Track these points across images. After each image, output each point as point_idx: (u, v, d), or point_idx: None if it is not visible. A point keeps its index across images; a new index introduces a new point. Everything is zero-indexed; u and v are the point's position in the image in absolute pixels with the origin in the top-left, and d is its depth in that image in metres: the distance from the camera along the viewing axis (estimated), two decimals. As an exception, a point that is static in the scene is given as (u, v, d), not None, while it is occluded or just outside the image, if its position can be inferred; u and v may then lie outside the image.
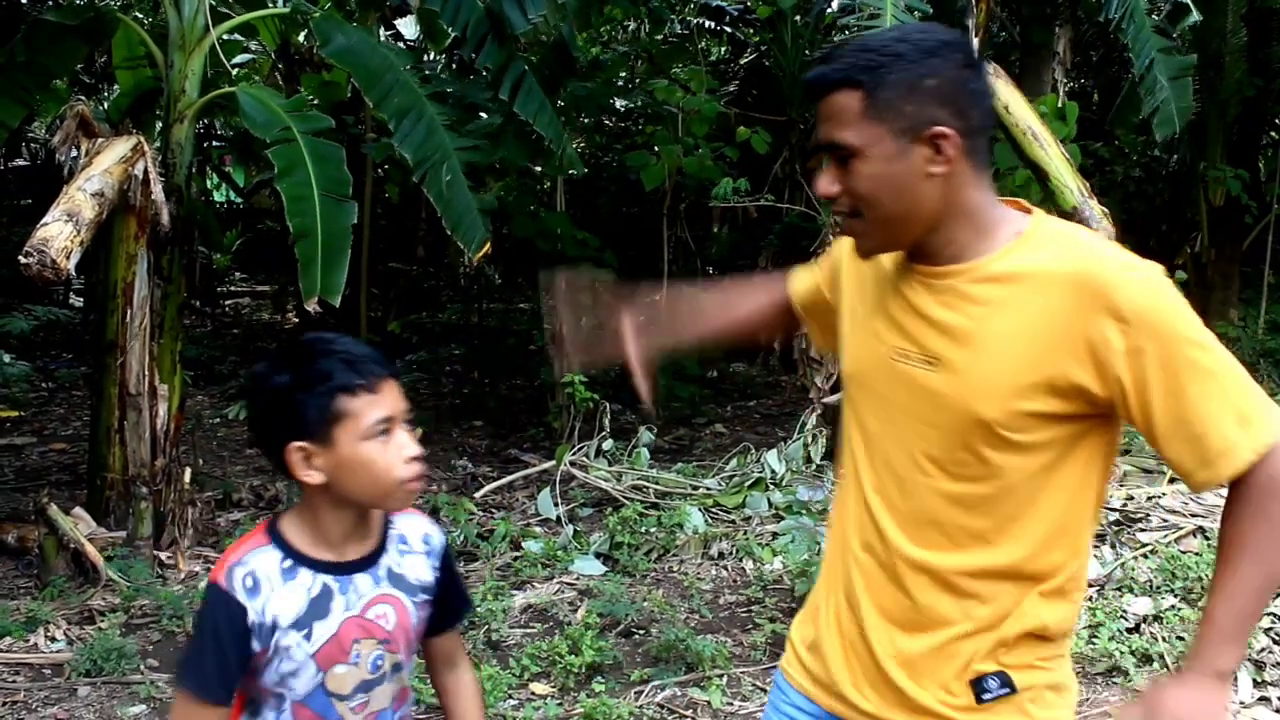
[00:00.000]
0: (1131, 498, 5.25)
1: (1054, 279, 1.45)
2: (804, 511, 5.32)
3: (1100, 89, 11.61)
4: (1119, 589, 4.46)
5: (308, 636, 1.62)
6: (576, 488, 5.93)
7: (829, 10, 8.14)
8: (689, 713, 3.71)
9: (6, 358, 8.13)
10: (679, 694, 3.84)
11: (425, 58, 9.51)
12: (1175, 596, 4.37)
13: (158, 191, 5.06)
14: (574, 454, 6.09)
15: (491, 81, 5.95)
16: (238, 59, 10.17)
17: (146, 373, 5.14)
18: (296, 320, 11.81)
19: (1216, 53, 9.07)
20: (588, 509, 5.80)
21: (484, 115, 6.49)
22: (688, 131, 8.06)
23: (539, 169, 8.93)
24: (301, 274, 4.84)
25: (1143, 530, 4.97)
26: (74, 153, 4.98)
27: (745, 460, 6.22)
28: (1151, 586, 4.46)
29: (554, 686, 3.87)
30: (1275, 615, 4.15)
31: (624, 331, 1.97)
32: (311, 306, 4.85)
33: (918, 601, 1.57)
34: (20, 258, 4.22)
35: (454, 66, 8.11)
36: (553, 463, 6.13)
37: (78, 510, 5.03)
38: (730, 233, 10.43)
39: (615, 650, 4.11)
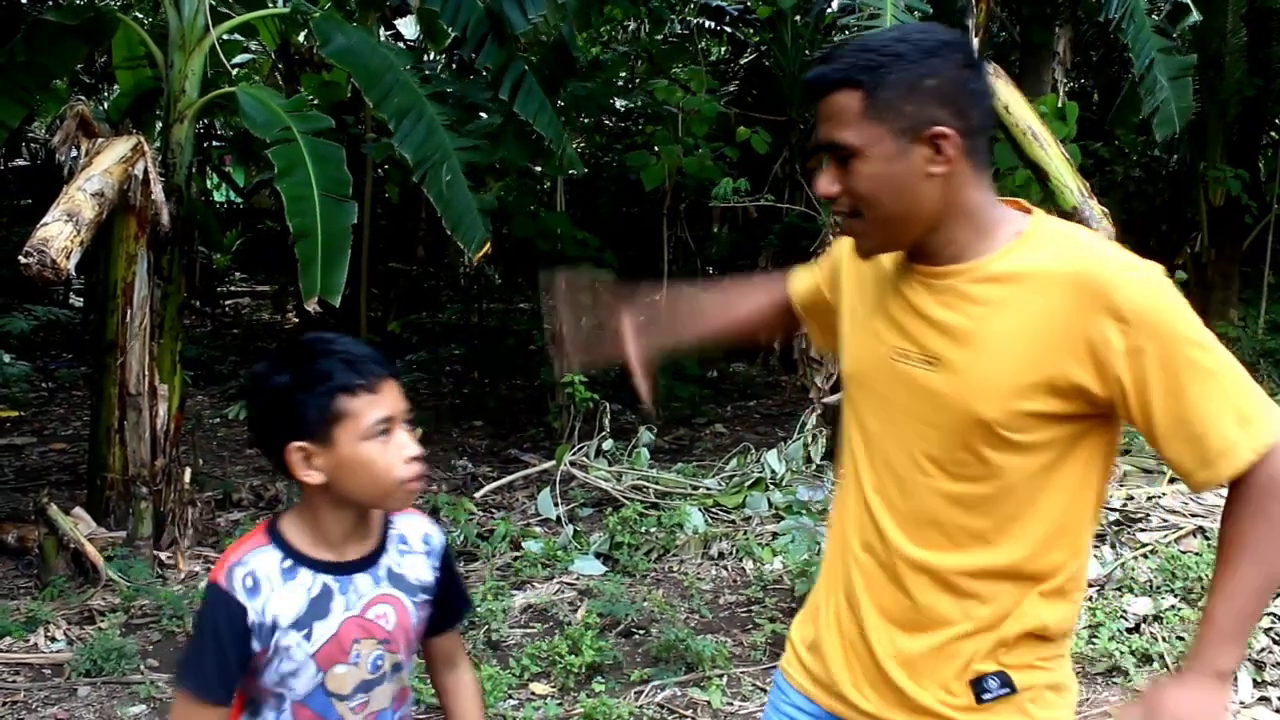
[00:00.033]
0: (1132, 498, 5.25)
1: (1054, 279, 1.45)
2: (804, 511, 5.32)
3: (1100, 89, 11.61)
4: (1119, 589, 4.47)
5: (308, 636, 1.62)
6: (576, 488, 5.93)
7: (829, 10, 8.14)
8: (689, 713, 3.71)
9: (7, 358, 8.13)
10: (679, 694, 3.84)
11: (425, 58, 9.51)
12: (1175, 597, 4.37)
13: (158, 191, 5.06)
14: (574, 454, 6.09)
15: (491, 81, 5.95)
16: (238, 59, 10.17)
17: (146, 373, 5.14)
18: (296, 320, 11.81)
19: (1216, 53, 9.07)
20: (588, 509, 5.80)
21: (484, 115, 6.49)
22: (688, 131, 8.06)
23: (539, 169, 8.93)
24: (302, 274, 4.84)
25: (1143, 530, 4.97)
26: (74, 153, 4.98)
27: (745, 460, 6.22)
28: (1151, 586, 4.46)
29: (554, 686, 3.87)
30: (1276, 615, 4.15)
31: (624, 331, 1.98)
32: (311, 306, 4.86)
33: (918, 601, 1.57)
34: (20, 258, 4.22)
35: (454, 66, 8.11)
36: (553, 463, 6.13)
37: (78, 510, 5.03)
38: (730, 233, 10.43)
39: (615, 650, 4.11)
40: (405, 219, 11.89)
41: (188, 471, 5.35)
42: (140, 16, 8.89)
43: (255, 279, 14.45)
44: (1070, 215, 5.70)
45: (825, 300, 1.86)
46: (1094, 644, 4.00)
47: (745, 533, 5.29)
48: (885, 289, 1.61)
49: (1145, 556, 4.70)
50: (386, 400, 1.61)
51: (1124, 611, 4.26)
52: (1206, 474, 1.43)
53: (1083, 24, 9.35)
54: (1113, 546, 4.83)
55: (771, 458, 5.99)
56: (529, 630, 4.38)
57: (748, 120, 9.00)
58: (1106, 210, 5.75)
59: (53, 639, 4.21)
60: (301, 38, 9.83)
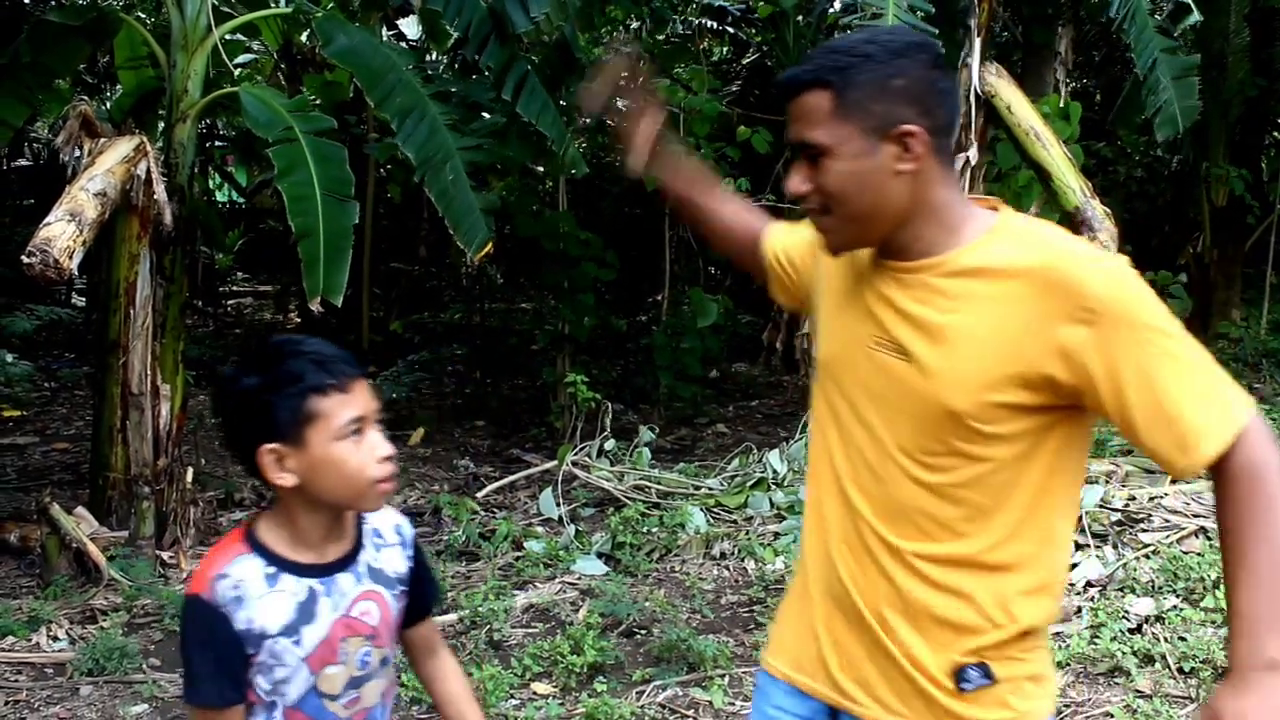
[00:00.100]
0: (1133, 498, 5.25)
1: (1023, 273, 1.48)
2: (806, 511, 5.31)
3: (1102, 89, 11.60)
4: (1121, 589, 4.46)
5: (297, 642, 1.61)
6: (578, 487, 5.93)
7: (831, 10, 8.14)
8: (691, 713, 3.71)
9: (9, 357, 8.14)
10: (681, 694, 3.84)
11: (428, 58, 9.51)
12: (1177, 597, 4.36)
13: (160, 191, 5.06)
14: (576, 454, 6.09)
15: (494, 81, 5.95)
16: (240, 59, 10.18)
17: (149, 372, 5.14)
18: (299, 320, 11.81)
19: (1219, 53, 9.07)
20: (589, 509, 5.80)
21: (486, 115, 6.49)
22: (689, 131, 8.06)
23: (541, 169, 8.93)
24: (305, 274, 4.85)
25: (1144, 530, 4.97)
26: (77, 152, 4.98)
27: (747, 460, 6.22)
28: (1153, 587, 4.45)
29: (556, 686, 3.87)
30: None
31: (640, 121, 1.98)
32: (315, 306, 4.86)
33: (899, 588, 1.59)
34: (23, 257, 4.23)
35: (456, 66, 8.11)
36: (554, 462, 6.13)
37: (80, 510, 5.04)
38: (732, 233, 10.39)
39: (617, 650, 4.11)
40: (407, 219, 11.89)
41: (190, 471, 5.35)
42: (143, 16, 8.90)
43: (257, 279, 14.46)
44: (1073, 215, 5.70)
45: (792, 271, 1.91)
46: (1095, 644, 3.99)
47: (747, 533, 5.29)
48: (859, 281, 1.65)
49: (1147, 557, 4.70)
50: (358, 400, 1.60)
51: (1126, 612, 4.26)
52: (1187, 460, 1.44)
53: (1085, 24, 9.34)
54: (1114, 547, 4.83)
55: (773, 458, 5.99)
56: (531, 630, 4.38)
57: (749, 120, 8.99)
58: (1109, 210, 5.75)
59: (55, 638, 4.22)
60: (304, 38, 9.84)
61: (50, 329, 10.22)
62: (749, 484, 5.82)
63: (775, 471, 5.88)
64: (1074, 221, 5.69)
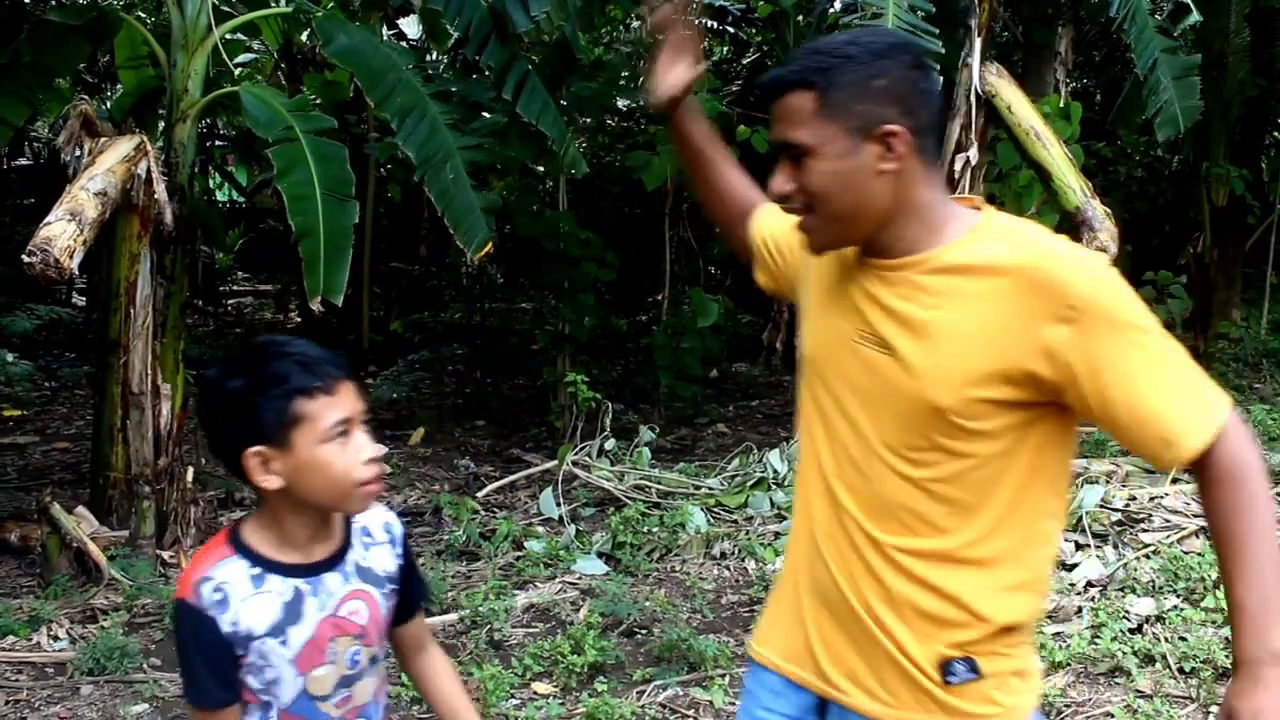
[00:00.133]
0: (1134, 498, 5.25)
1: (1007, 271, 1.50)
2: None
3: (1103, 89, 11.60)
4: (1121, 589, 4.46)
5: (284, 643, 1.61)
6: (579, 487, 5.93)
7: (831, 10, 8.14)
8: (691, 712, 3.71)
9: (9, 357, 8.15)
10: (681, 694, 3.84)
11: (428, 57, 9.51)
12: (1178, 597, 4.36)
13: (160, 191, 5.06)
14: (576, 454, 6.09)
15: (495, 81, 5.95)
16: (240, 58, 10.18)
17: (149, 372, 5.14)
18: (299, 319, 11.81)
19: (1219, 53, 9.06)
20: (590, 509, 5.80)
21: (486, 115, 6.50)
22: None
23: (541, 169, 8.93)
24: (305, 273, 4.85)
25: (1145, 530, 4.97)
26: (77, 152, 4.98)
27: (747, 460, 6.22)
28: (1154, 587, 4.46)
29: (556, 686, 3.87)
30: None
31: (678, 50, 1.95)
32: (315, 306, 4.86)
33: (884, 582, 1.60)
34: (23, 257, 4.23)
35: (457, 66, 8.12)
36: (555, 462, 6.14)
37: (80, 509, 5.04)
38: (732, 232, 10.39)
39: (617, 650, 4.11)
40: (408, 218, 11.89)
41: (190, 470, 5.35)
42: (143, 16, 8.90)
43: (258, 278, 14.46)
44: (1073, 215, 5.71)
45: (778, 257, 1.91)
46: (1096, 644, 3.99)
47: (747, 532, 5.29)
48: (845, 278, 1.66)
49: (1148, 557, 4.70)
50: (344, 402, 1.59)
51: (1126, 612, 4.26)
52: (1168, 455, 1.47)
53: (1085, 24, 9.34)
54: (1115, 547, 4.83)
55: (774, 457, 5.99)
56: (531, 630, 4.39)
57: (749, 120, 8.99)
58: (1109, 210, 5.75)
59: (55, 638, 4.22)
60: (304, 37, 9.84)
61: (51, 328, 10.22)
62: (749, 484, 5.81)
63: (775, 471, 5.88)
64: (1074, 221, 5.70)
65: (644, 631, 4.35)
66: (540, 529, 5.51)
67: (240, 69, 10.23)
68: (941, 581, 1.57)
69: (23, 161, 13.45)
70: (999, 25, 7.62)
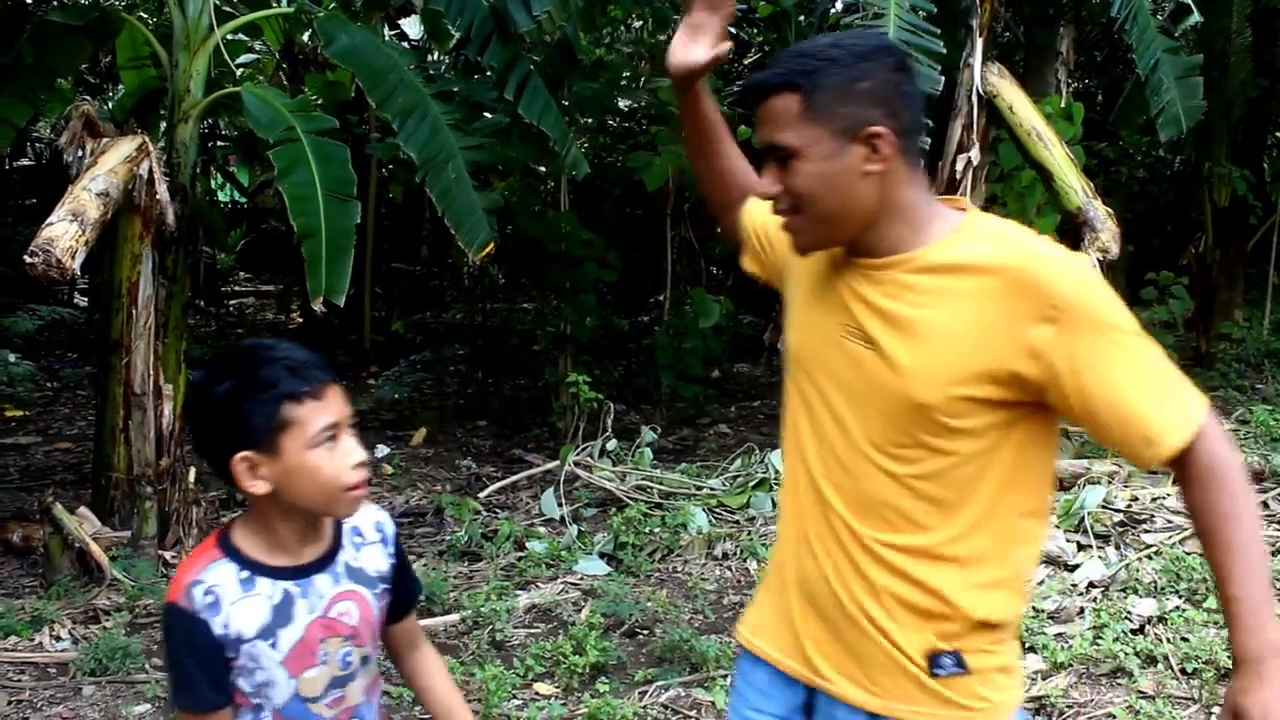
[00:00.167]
0: (1135, 499, 5.24)
1: (991, 271, 1.52)
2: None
3: (1104, 89, 11.59)
4: (1123, 590, 4.46)
5: (274, 645, 1.61)
6: (580, 488, 5.93)
7: (833, 10, 8.14)
8: (693, 713, 3.71)
9: (12, 357, 8.15)
10: (683, 694, 3.84)
11: (430, 57, 9.51)
12: (1180, 598, 4.36)
13: (162, 191, 5.06)
14: (578, 454, 6.09)
15: (497, 81, 5.95)
16: (242, 59, 10.18)
17: (151, 372, 5.14)
18: (301, 320, 11.82)
19: (1221, 53, 9.05)
20: (592, 509, 5.80)
21: (488, 115, 6.50)
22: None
23: (543, 169, 8.93)
24: (308, 274, 4.86)
25: (1147, 531, 4.97)
26: (79, 152, 4.98)
27: (749, 460, 6.22)
28: (1156, 588, 4.45)
29: (558, 687, 3.87)
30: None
31: (709, 14, 1.90)
32: (317, 306, 4.86)
33: (869, 577, 1.62)
34: (25, 257, 4.23)
35: (459, 66, 8.12)
36: (556, 463, 6.14)
37: (83, 510, 5.04)
38: (734, 233, 10.38)
39: (619, 650, 4.11)
40: (409, 219, 11.90)
41: (192, 471, 5.35)
42: (145, 16, 8.90)
43: (259, 279, 14.47)
44: (1075, 216, 5.70)
45: (769, 247, 1.91)
46: (1098, 645, 3.99)
47: (749, 533, 5.29)
48: (832, 275, 1.68)
49: (1149, 558, 4.70)
50: (332, 406, 1.59)
51: (1128, 613, 4.25)
52: (1148, 454, 1.50)
53: (1087, 24, 9.33)
54: (1117, 548, 4.83)
55: (775, 458, 5.99)
56: (533, 630, 4.39)
57: (750, 120, 9.00)
58: (1111, 211, 5.75)
59: (58, 638, 4.22)
60: (305, 37, 9.85)
61: (53, 329, 10.22)
62: (751, 484, 5.81)
63: (777, 472, 5.88)
64: (1076, 222, 5.70)
65: (646, 632, 4.35)
66: (542, 529, 5.51)
67: (242, 69, 10.23)
68: (924, 576, 1.59)
69: (25, 162, 13.46)
70: (1000, 25, 7.62)
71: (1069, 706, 3.68)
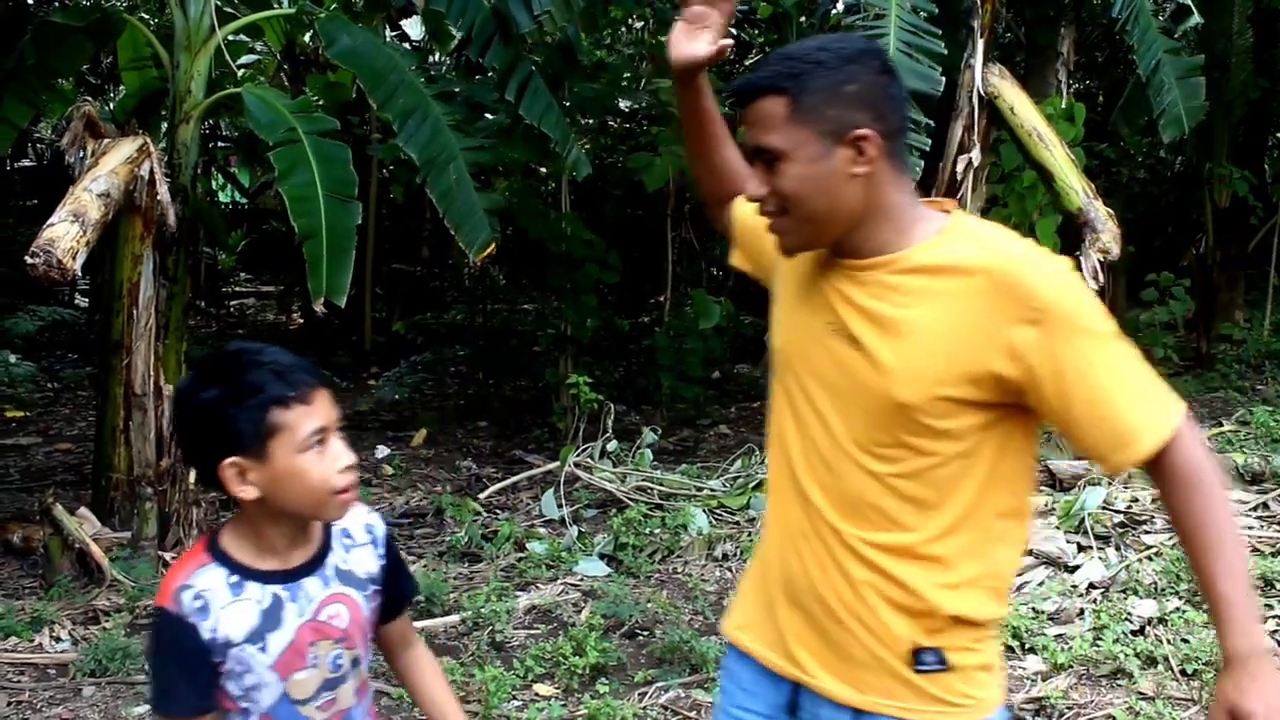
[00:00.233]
0: (1136, 499, 5.24)
1: (974, 272, 1.54)
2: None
3: (1105, 90, 11.59)
4: (1123, 591, 4.46)
5: (263, 649, 1.61)
6: (581, 489, 5.93)
7: (834, 11, 8.14)
8: (693, 714, 3.71)
9: (12, 358, 8.16)
10: (683, 695, 3.84)
11: (431, 58, 9.52)
12: (1180, 599, 4.36)
13: (163, 192, 5.07)
14: (578, 455, 6.09)
15: (498, 82, 5.96)
16: (243, 60, 10.18)
17: (152, 373, 5.14)
18: (302, 320, 11.83)
19: (1222, 54, 9.05)
20: (592, 510, 5.80)
21: (489, 116, 6.50)
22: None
23: (544, 170, 8.93)
24: (309, 275, 4.86)
25: (1147, 533, 4.97)
26: (80, 153, 4.98)
27: (749, 461, 6.22)
28: (1156, 589, 4.45)
29: (558, 688, 3.87)
30: (1279, 617, 4.15)
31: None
32: (318, 307, 4.87)
33: (850, 575, 1.63)
34: (26, 258, 4.23)
35: (460, 66, 8.12)
36: (557, 464, 6.14)
37: (83, 510, 5.04)
38: (734, 233, 10.38)
39: (619, 651, 4.11)
40: (410, 220, 11.91)
41: (192, 472, 5.35)
42: (146, 17, 8.90)
43: (260, 279, 14.47)
44: (1075, 216, 5.70)
45: (757, 244, 1.90)
46: (1098, 646, 3.99)
47: (749, 534, 5.28)
48: (818, 275, 1.69)
49: (1150, 559, 4.70)
50: (319, 410, 1.58)
51: (1128, 614, 4.25)
52: (1122, 455, 1.52)
53: (1087, 25, 9.33)
54: (1117, 549, 4.83)
55: (775, 459, 5.98)
56: (533, 631, 4.39)
57: (752, 121, 8.99)
58: (1111, 212, 5.74)
59: (58, 639, 4.22)
60: (307, 38, 9.85)
61: (53, 330, 10.23)
62: (751, 485, 5.81)
63: (777, 473, 5.86)
64: (1077, 223, 5.69)
65: (646, 633, 4.35)
66: (542, 530, 5.51)
67: (243, 70, 10.23)
68: (903, 575, 1.60)
69: (26, 163, 13.47)
70: (1001, 26, 7.62)
71: (1069, 708, 3.68)
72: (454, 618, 4.41)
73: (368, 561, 1.74)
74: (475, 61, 6.19)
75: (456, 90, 6.35)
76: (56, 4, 7.58)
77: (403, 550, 5.35)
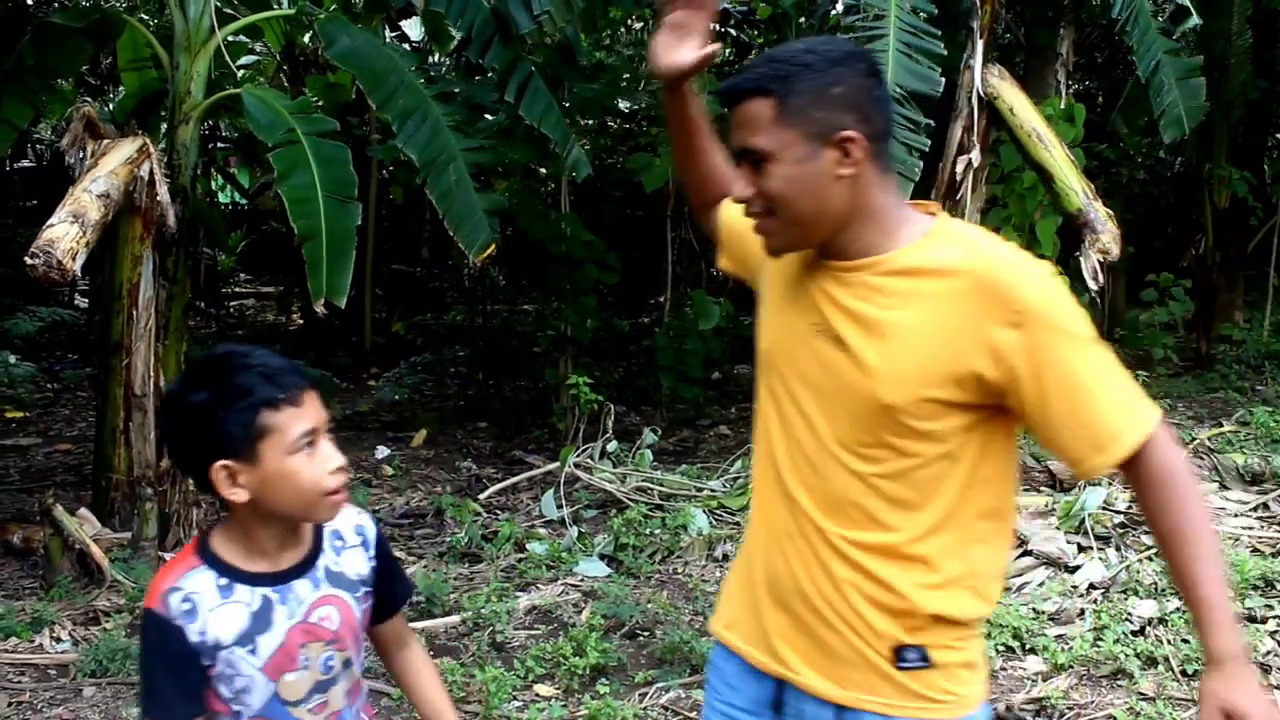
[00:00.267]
0: (1136, 500, 5.23)
1: (958, 275, 1.56)
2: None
3: (1105, 91, 11.59)
4: (1124, 592, 4.46)
5: (252, 651, 1.61)
6: (581, 489, 5.93)
7: (833, 12, 8.14)
8: (693, 715, 3.71)
9: (12, 359, 8.16)
10: (683, 696, 3.84)
11: (431, 59, 9.52)
12: (1180, 599, 4.35)
13: (163, 193, 5.07)
14: (578, 455, 6.09)
15: (498, 83, 5.96)
16: (243, 60, 10.19)
17: (151, 374, 5.14)
18: (302, 321, 11.82)
19: (1222, 55, 9.06)
20: (592, 511, 5.80)
21: (489, 117, 6.50)
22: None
23: (543, 171, 8.93)
24: (309, 276, 4.86)
25: (1147, 533, 4.96)
26: (80, 154, 4.98)
27: (749, 462, 6.19)
28: (1156, 589, 4.45)
29: (558, 688, 3.87)
30: (1281, 618, 4.15)
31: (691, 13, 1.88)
32: (318, 308, 4.87)
33: (833, 574, 1.65)
34: (26, 259, 4.23)
35: (460, 67, 8.12)
36: (557, 464, 6.14)
37: (83, 511, 5.04)
38: (734, 234, 10.38)
39: (619, 652, 4.11)
40: (409, 220, 11.91)
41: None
42: (146, 18, 8.90)
43: (260, 280, 14.48)
44: (1075, 217, 5.70)
45: (743, 246, 1.90)
46: (1099, 647, 3.99)
47: (749, 535, 5.28)
48: (804, 276, 1.70)
49: (1150, 559, 4.69)
50: (309, 412, 1.58)
51: (1129, 614, 4.25)
52: (1098, 459, 1.55)
53: (1087, 26, 9.33)
54: (1117, 549, 4.83)
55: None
56: (533, 632, 4.39)
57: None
58: (1111, 212, 5.74)
59: (58, 639, 4.22)
60: (306, 39, 9.85)
61: (53, 330, 10.23)
62: (751, 486, 5.81)
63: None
64: (1077, 223, 5.69)
65: (646, 633, 4.35)
66: (542, 531, 5.51)
67: (243, 71, 10.24)
68: (884, 574, 1.62)
69: (25, 163, 13.47)
70: (1001, 27, 7.62)
71: (1069, 708, 3.68)
72: (454, 618, 4.41)
73: (358, 563, 1.74)
74: (475, 62, 6.18)
75: (456, 91, 6.35)
76: (56, 5, 7.58)
77: (403, 551, 5.36)
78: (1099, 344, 1.56)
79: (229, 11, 6.77)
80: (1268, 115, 10.57)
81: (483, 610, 4.37)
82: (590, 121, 9.02)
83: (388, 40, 8.92)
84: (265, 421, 1.55)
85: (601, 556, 5.10)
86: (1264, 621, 4.15)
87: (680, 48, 1.85)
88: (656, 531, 5.28)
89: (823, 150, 1.57)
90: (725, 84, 1.64)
